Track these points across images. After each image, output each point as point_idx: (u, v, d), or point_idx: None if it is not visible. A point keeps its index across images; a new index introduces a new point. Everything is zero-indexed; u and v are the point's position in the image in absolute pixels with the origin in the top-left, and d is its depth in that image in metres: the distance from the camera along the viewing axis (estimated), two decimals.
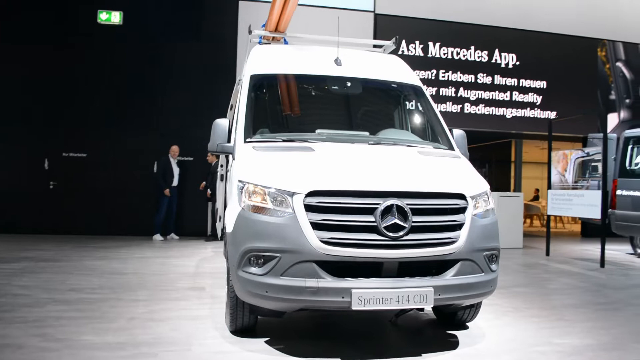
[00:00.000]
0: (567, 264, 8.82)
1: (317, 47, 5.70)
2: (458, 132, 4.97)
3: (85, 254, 8.34)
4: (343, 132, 4.87)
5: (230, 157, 4.90)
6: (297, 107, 5.24)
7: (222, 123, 4.62)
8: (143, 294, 5.60)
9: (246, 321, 4.08)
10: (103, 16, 10.94)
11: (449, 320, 4.63)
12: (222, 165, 7.43)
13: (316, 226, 3.53)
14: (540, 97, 12.98)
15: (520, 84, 12.94)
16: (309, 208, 3.55)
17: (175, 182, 10.72)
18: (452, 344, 4.13)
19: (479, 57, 12.78)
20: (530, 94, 13.00)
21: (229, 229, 3.97)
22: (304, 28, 7.36)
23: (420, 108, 5.33)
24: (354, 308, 3.47)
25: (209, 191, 10.58)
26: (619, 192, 9.36)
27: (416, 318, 4.92)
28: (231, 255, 3.85)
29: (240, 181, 3.90)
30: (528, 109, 13.01)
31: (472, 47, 12.75)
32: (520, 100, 12.96)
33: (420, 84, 5.47)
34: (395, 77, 5.42)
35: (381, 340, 4.41)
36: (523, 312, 5.19)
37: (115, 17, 10.97)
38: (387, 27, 12.08)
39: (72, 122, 10.95)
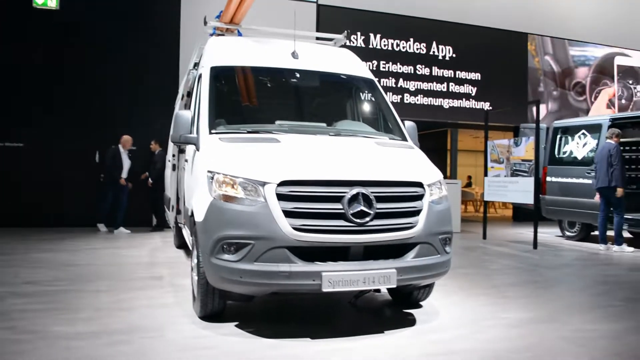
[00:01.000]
0: (503, 246, 9.49)
1: (273, 39, 5.85)
2: (409, 124, 5.30)
3: (30, 246, 8.10)
4: (302, 123, 5.08)
5: (191, 147, 5.00)
6: (256, 99, 5.39)
7: (184, 114, 4.71)
8: (103, 285, 5.60)
9: (216, 306, 4.23)
10: (39, 0, 10.48)
11: (404, 300, 4.96)
12: (174, 155, 7.46)
13: (288, 214, 3.73)
14: (475, 88, 13.68)
15: (457, 76, 13.58)
16: (280, 197, 3.75)
17: (124, 174, 10.20)
18: (410, 321, 4.46)
19: (417, 49, 13.29)
20: (465, 85, 13.68)
21: (198, 217, 4.09)
22: (247, 19, 7.37)
23: (374, 100, 5.62)
24: (324, 290, 3.71)
25: (150, 180, 10.46)
26: (548, 178, 10.12)
27: (373, 299, 5.23)
28: (202, 243, 3.98)
29: (209, 171, 4.03)
30: (463, 99, 13.68)
31: (412, 39, 13.24)
32: (457, 91, 13.61)
33: (373, 77, 5.77)
34: (349, 70, 5.68)
35: (344, 320, 4.70)
36: (469, 292, 5.63)
37: (51, 1, 10.55)
38: (329, 19, 12.31)
39: (8, 111, 10.46)
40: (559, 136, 10.25)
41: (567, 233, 10.41)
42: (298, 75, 5.36)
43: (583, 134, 9.72)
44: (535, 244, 8.97)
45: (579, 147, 9.76)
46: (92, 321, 4.25)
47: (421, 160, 4.59)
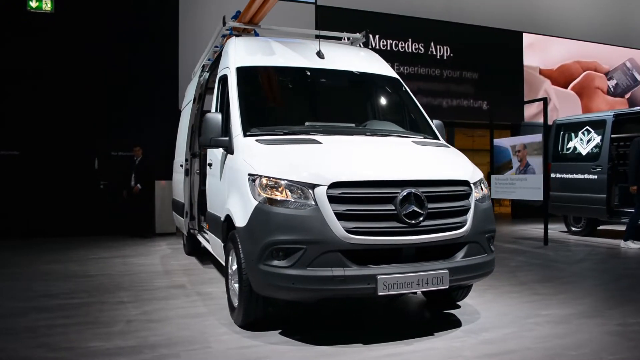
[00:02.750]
0: (514, 243, 9.48)
1: (295, 40, 5.73)
2: (437, 122, 5.24)
3: (33, 258, 7.79)
4: (334, 124, 4.97)
5: (219, 151, 4.85)
6: (284, 100, 5.26)
7: (215, 117, 4.56)
8: (125, 296, 5.39)
9: (259, 314, 4.08)
10: (33, 3, 10.17)
11: (441, 300, 4.88)
12: (187, 160, 7.27)
13: (340, 216, 3.61)
14: (474, 87, 13.72)
15: (455, 75, 13.60)
16: (332, 199, 3.62)
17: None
18: (455, 322, 4.37)
19: (416, 49, 13.28)
20: (464, 84, 13.70)
21: (239, 222, 3.94)
22: None
23: (402, 100, 5.53)
24: (380, 293, 3.59)
25: (138, 186, 10.19)
26: (552, 175, 10.15)
27: (407, 301, 5.13)
28: (247, 249, 3.83)
29: (252, 175, 3.89)
30: (462, 98, 13.71)
31: (410, 40, 13.22)
32: (455, 90, 13.63)
33: (398, 76, 5.69)
34: (374, 69, 5.60)
35: (388, 324, 4.57)
36: (500, 289, 5.56)
37: (46, 5, 10.25)
38: (328, 19, 12.21)
39: (3, 118, 10.13)
40: (561, 133, 10.30)
41: (573, 229, 10.45)
42: (325, 75, 5.25)
43: (587, 130, 9.78)
44: (546, 240, 8.99)
45: (583, 143, 9.81)
46: (127, 335, 4.06)
47: (462, 158, 4.51)
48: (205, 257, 7.70)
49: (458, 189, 4.03)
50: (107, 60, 10.65)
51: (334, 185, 3.64)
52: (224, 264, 5.02)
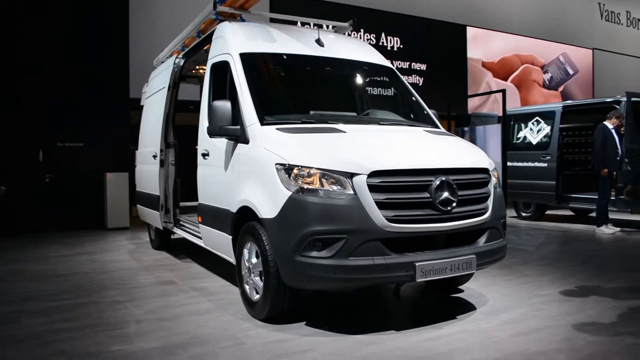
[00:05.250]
0: None
1: (293, 27, 5.62)
2: (434, 112, 5.35)
3: None
4: (339, 113, 4.95)
5: (219, 141, 4.68)
6: (288, 88, 5.14)
7: (223, 105, 4.38)
8: (117, 294, 5.07)
9: (287, 306, 3.99)
10: None
11: (444, 286, 5.01)
12: (162, 151, 6.94)
13: (380, 205, 3.60)
14: (422, 78, 14.09)
15: (405, 66, 13.89)
16: (372, 188, 3.60)
17: None
18: (469, 306, 4.51)
19: (367, 39, 13.41)
20: (413, 75, 14.03)
21: (268, 214, 3.82)
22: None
23: (400, 89, 5.59)
24: (418, 280, 3.63)
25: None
26: None
27: (411, 288, 5.22)
28: (280, 241, 3.71)
29: (281, 164, 3.78)
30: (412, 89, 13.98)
31: (362, 30, 13.33)
32: (405, 81, 13.87)
33: (392, 65, 5.74)
34: (371, 58, 5.62)
35: (405, 311, 4.65)
36: (490, 273, 5.76)
37: None
38: (282, 8, 12.02)
39: None
40: (512, 123, 10.84)
41: (523, 214, 11.05)
42: (327, 63, 5.19)
43: (537, 120, 10.35)
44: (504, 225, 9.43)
45: (534, 133, 10.38)
46: (146, 335, 3.84)
47: (474, 147, 4.63)
48: (177, 251, 7.41)
49: (481, 177, 4.15)
50: (52, 47, 9.89)
51: (373, 174, 3.61)
52: (226, 257, 4.88)
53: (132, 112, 10.36)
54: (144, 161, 7.58)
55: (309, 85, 5.32)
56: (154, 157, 6.92)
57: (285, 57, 5.04)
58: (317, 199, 3.60)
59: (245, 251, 4.26)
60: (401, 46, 13.81)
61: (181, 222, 6.70)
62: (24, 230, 9.42)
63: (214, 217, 4.96)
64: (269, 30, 5.27)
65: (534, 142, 10.35)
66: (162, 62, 7.76)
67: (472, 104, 14.93)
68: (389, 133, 4.41)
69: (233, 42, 4.93)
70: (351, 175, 3.62)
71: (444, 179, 3.78)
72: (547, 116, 10.17)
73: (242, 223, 4.30)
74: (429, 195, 3.72)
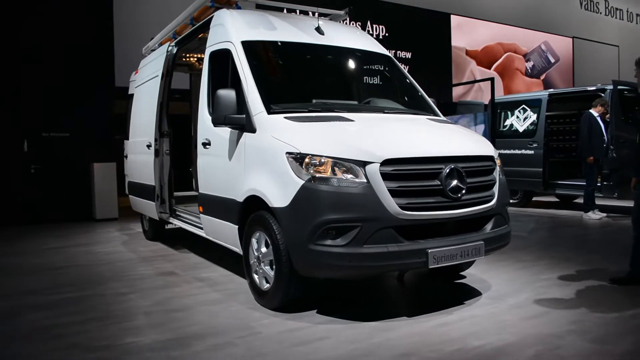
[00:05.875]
0: None
1: (291, 15, 5.58)
2: (433, 100, 5.39)
3: None
4: (342, 101, 4.95)
5: (221, 129, 4.65)
6: (291, 76, 5.11)
7: (228, 94, 4.34)
8: (120, 286, 5.01)
9: (297, 295, 4.01)
10: None
11: (445, 273, 5.07)
12: (156, 140, 6.85)
13: (393, 193, 3.62)
14: (407, 67, 14.13)
15: (390, 54, 13.87)
16: (385, 176, 3.62)
17: None
18: (474, 291, 4.59)
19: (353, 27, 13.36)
20: (399, 62, 14.03)
21: (280, 203, 3.81)
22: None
23: (400, 78, 5.62)
24: (430, 267, 3.68)
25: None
26: None
27: (413, 274, 5.27)
28: (294, 229, 3.71)
29: (292, 153, 3.77)
30: None
31: (347, 17, 13.25)
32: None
33: (389, 54, 5.75)
34: (370, 47, 5.64)
35: (412, 298, 4.69)
36: (488, 258, 5.80)
37: None
38: None
39: None
40: (499, 111, 10.96)
41: (510, 200, 11.21)
42: (328, 51, 5.18)
43: (523, 108, 10.50)
44: None
45: (520, 120, 10.53)
46: (158, 327, 3.81)
47: (478, 135, 4.69)
48: (172, 241, 7.35)
49: (487, 164, 4.20)
50: (36, 38, 9.63)
51: (386, 162, 3.63)
52: (231, 247, 4.86)
53: (117, 101, 10.20)
54: (137, 151, 7.47)
55: (311, 74, 5.30)
56: (148, 146, 6.82)
57: (287, 45, 5.01)
58: (330, 188, 3.61)
59: (254, 240, 4.25)
60: (386, 34, 13.81)
61: (177, 212, 6.65)
62: (9, 222, 9.23)
63: (217, 207, 4.92)
64: (269, 18, 5.22)
65: (521, 129, 10.50)
66: (153, 50, 7.64)
67: (456, 92, 15.06)
68: (395, 122, 4.43)
69: (234, 29, 4.88)
70: (364, 164, 3.63)
71: (453, 166, 3.82)
72: (534, 104, 10.31)
73: (249, 212, 4.29)
74: (439, 183, 3.76)
